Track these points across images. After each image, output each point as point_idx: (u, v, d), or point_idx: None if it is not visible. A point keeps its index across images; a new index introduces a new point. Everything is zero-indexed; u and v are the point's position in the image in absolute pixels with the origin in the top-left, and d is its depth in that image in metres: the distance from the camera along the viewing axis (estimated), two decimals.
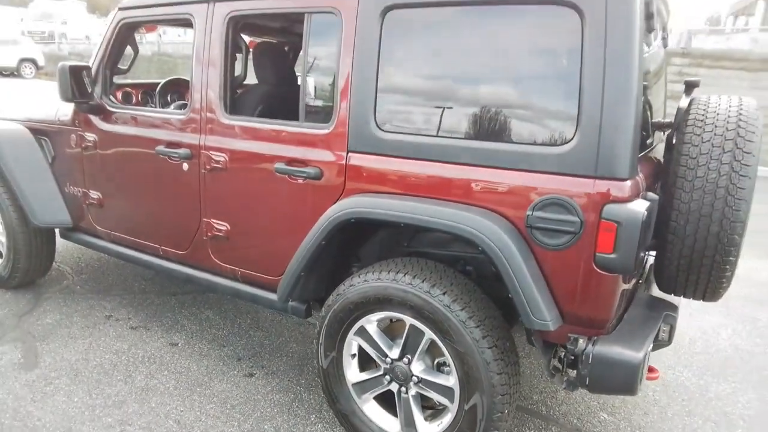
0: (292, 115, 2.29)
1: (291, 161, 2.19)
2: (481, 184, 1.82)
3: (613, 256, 1.65)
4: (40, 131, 3.20)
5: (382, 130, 1.99)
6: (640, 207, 1.63)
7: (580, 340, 1.76)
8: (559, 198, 1.70)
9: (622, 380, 1.73)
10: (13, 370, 2.61)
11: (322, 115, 2.17)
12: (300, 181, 2.17)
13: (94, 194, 2.97)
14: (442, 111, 1.94)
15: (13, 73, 20.01)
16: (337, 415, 2.20)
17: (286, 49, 3.18)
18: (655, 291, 2.19)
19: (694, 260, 1.90)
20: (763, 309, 3.84)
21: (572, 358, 1.79)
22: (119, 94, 3.14)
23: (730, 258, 1.86)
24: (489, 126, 1.85)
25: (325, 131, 2.11)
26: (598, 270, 1.68)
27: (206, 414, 2.36)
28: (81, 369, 2.64)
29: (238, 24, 2.42)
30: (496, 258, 1.72)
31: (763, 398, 2.74)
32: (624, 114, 1.63)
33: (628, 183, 1.66)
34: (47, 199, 3.13)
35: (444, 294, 1.84)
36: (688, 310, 3.74)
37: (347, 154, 2.07)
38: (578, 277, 1.72)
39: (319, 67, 2.24)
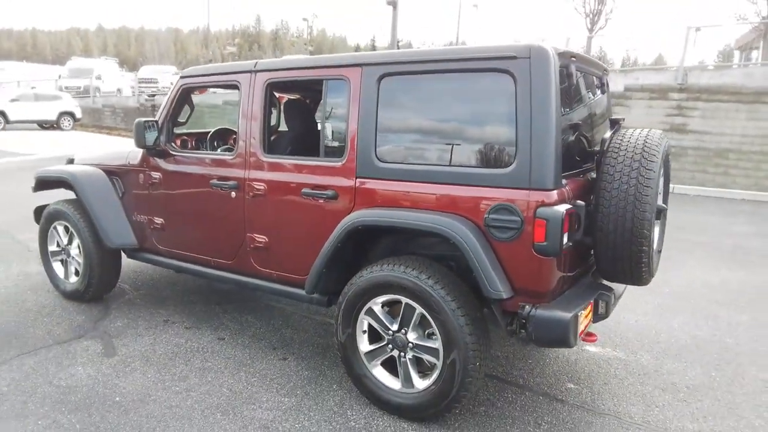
0: (313, 152, 3.04)
1: (314, 186, 2.92)
2: (452, 197, 2.52)
3: (545, 243, 2.31)
4: (112, 172, 4.00)
5: (381, 161, 2.72)
6: (562, 208, 2.30)
7: (527, 307, 2.41)
8: (506, 205, 2.39)
9: (557, 334, 2.36)
10: (97, 357, 3.31)
11: (337, 151, 2.91)
12: (321, 201, 2.89)
13: (158, 220, 3.73)
14: (423, 146, 2.67)
15: (53, 125, 21.53)
16: (353, 378, 2.84)
17: (308, 102, 3.97)
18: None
19: (617, 251, 2.56)
20: (725, 309, 4.40)
21: (523, 321, 2.43)
22: (178, 141, 3.94)
23: (643, 248, 2.51)
24: (456, 156, 2.57)
25: (340, 163, 2.85)
26: (536, 254, 2.35)
27: (251, 385, 3.02)
28: (150, 356, 3.33)
29: (274, 87, 3.21)
30: (462, 248, 2.40)
31: (707, 373, 3.30)
32: (546, 145, 2.33)
33: (554, 192, 2.34)
34: (118, 226, 3.90)
35: (428, 278, 2.51)
36: (660, 310, 4.33)
37: (356, 179, 2.79)
38: (523, 261, 2.39)
39: (334, 116, 3.00)
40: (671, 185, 3.83)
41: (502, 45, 2.47)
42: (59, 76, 28.98)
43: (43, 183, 4.25)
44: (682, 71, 13.85)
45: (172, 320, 3.89)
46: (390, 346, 2.73)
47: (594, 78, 3.11)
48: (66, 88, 26.37)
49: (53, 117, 21.33)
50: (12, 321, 3.80)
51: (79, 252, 4.07)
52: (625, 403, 2.93)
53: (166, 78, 26.32)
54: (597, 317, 2.67)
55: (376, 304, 2.72)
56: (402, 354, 2.69)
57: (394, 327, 2.68)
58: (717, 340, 3.78)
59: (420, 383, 2.66)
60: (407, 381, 2.69)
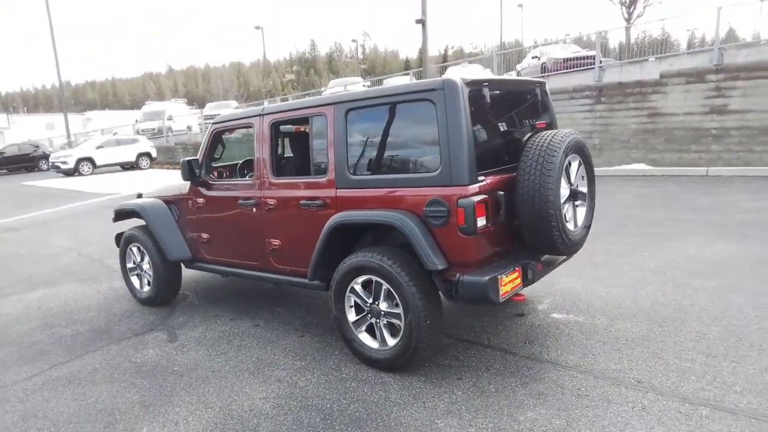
0: (308, 172, 3.96)
1: (308, 198, 3.82)
2: (400, 197, 3.34)
3: (464, 226, 3.08)
4: (169, 201, 5.11)
5: (352, 175, 3.58)
6: (474, 199, 3.05)
7: (458, 275, 3.17)
8: (437, 199, 3.17)
9: (479, 293, 3.09)
10: (163, 343, 4.36)
11: (322, 169, 3.81)
12: (314, 209, 3.78)
13: (204, 235, 4.78)
14: (379, 160, 3.52)
15: (132, 166, 24.01)
16: (345, 342, 3.69)
17: (306, 133, 4.91)
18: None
19: (533, 228, 3.28)
20: (699, 278, 4.87)
21: (455, 285, 3.19)
22: (215, 173, 4.98)
23: (552, 224, 3.22)
24: (401, 166, 3.41)
25: (325, 179, 3.74)
26: (461, 234, 3.11)
27: (274, 354, 3.93)
28: (201, 340, 4.34)
29: (278, 125, 4.17)
30: (406, 234, 3.20)
31: (650, 329, 3.87)
32: (461, 152, 3.10)
33: (470, 187, 3.10)
34: (175, 243, 4.98)
35: (389, 260, 3.33)
36: (634, 282, 4.88)
37: (336, 190, 3.67)
38: (452, 240, 3.16)
39: (318, 143, 3.89)
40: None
41: (427, 81, 3.29)
42: (136, 121, 31.97)
43: (119, 214, 5.44)
44: (717, 52, 13.80)
45: (221, 314, 4.91)
46: (369, 315, 3.56)
47: (523, 92, 3.83)
48: (142, 130, 29.18)
49: (133, 158, 23.80)
50: (102, 322, 4.96)
51: (149, 267, 5.19)
52: (566, 353, 3.60)
53: (228, 113, 28.50)
54: (527, 282, 3.37)
55: (357, 284, 3.56)
56: (378, 320, 3.52)
57: (371, 300, 3.52)
58: (675, 303, 4.31)
59: (391, 341, 3.47)
60: (382, 341, 3.52)
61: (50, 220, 11.80)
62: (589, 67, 15.67)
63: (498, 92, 3.53)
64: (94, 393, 3.56)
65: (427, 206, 3.21)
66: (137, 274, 5.39)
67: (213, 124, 4.62)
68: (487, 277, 3.09)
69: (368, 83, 24.88)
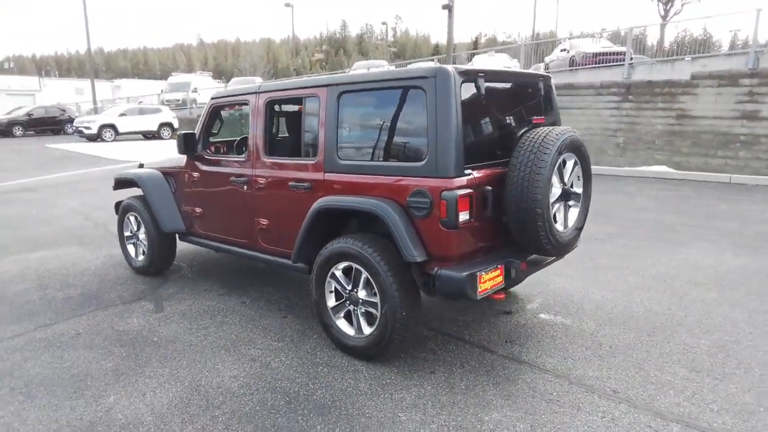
0: (298, 153, 3.90)
1: (297, 180, 3.77)
2: (386, 185, 3.26)
3: (446, 219, 2.99)
4: (167, 173, 5.10)
5: (340, 159, 3.51)
6: (457, 192, 2.96)
7: (436, 268, 3.09)
8: (421, 189, 3.09)
9: (456, 289, 3.01)
10: (149, 313, 4.38)
11: (312, 151, 3.74)
12: (302, 191, 3.73)
13: (198, 210, 4.77)
14: (367, 146, 3.44)
15: (154, 135, 24.27)
16: (323, 327, 3.65)
17: (299, 112, 4.82)
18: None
19: (521, 226, 3.18)
20: (699, 288, 4.71)
21: (434, 279, 3.12)
22: (213, 148, 4.96)
23: (538, 224, 3.12)
24: (388, 153, 3.32)
25: (313, 161, 3.68)
26: (442, 228, 3.03)
27: (253, 333, 3.92)
28: (186, 312, 4.35)
29: (272, 103, 4.11)
30: (386, 223, 3.13)
31: (638, 337, 3.76)
32: (448, 143, 3.00)
33: (455, 180, 3.01)
34: (171, 215, 4.99)
35: (369, 248, 3.26)
36: (632, 288, 4.75)
37: (324, 173, 3.61)
38: (434, 233, 3.08)
39: (310, 124, 3.82)
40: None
41: (420, 68, 3.19)
42: (161, 91, 32.26)
43: (119, 183, 5.46)
44: (753, 55, 13.31)
45: (211, 289, 4.92)
46: (348, 302, 3.51)
47: (525, 86, 3.70)
48: (167, 101, 29.43)
49: (155, 128, 24.06)
50: (94, 287, 5.01)
51: (145, 236, 5.21)
52: (545, 356, 3.51)
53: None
54: (509, 280, 3.28)
55: (338, 270, 3.51)
56: (355, 308, 3.47)
57: (350, 287, 3.47)
58: (668, 313, 4.18)
59: (366, 330, 3.42)
60: (359, 328, 3.47)
61: (65, 183, 12.00)
62: (619, 63, 15.25)
63: (496, 84, 3.41)
64: (71, 357, 3.60)
65: (411, 196, 3.13)
66: (133, 243, 5.43)
67: (211, 99, 4.58)
68: (465, 273, 3.01)
69: (393, 66, 24.62)
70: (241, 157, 4.29)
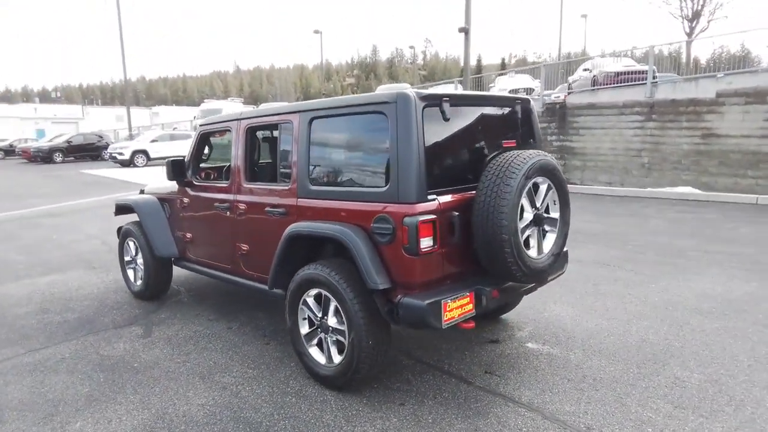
0: (275, 179, 3.91)
1: (273, 206, 3.77)
2: (352, 210, 3.22)
3: (408, 245, 2.93)
4: (162, 199, 5.20)
5: (312, 185, 3.51)
6: (417, 218, 2.90)
7: (399, 296, 3.02)
8: (384, 216, 3.04)
9: (418, 317, 2.93)
10: (136, 337, 4.42)
11: (287, 177, 3.75)
12: (277, 217, 3.73)
13: (188, 235, 4.83)
14: (336, 172, 3.42)
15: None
16: (297, 354, 3.60)
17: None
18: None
19: (488, 253, 3.10)
20: (701, 318, 4.48)
21: (397, 307, 3.04)
22: (203, 174, 5.03)
23: (505, 250, 3.03)
24: (355, 178, 3.29)
25: (287, 187, 3.68)
26: (405, 254, 2.97)
27: (232, 360, 3.90)
28: (172, 338, 4.37)
29: (252, 130, 4.15)
30: (349, 249, 3.09)
31: (626, 369, 3.57)
32: (409, 169, 2.96)
33: (417, 205, 2.95)
34: (164, 240, 5.06)
35: (336, 275, 3.22)
36: (630, 316, 4.55)
37: (297, 199, 3.60)
38: (397, 259, 3.01)
39: (284, 151, 3.83)
40: None
41: (382, 93, 3.16)
42: (194, 117, 33.24)
43: (119, 209, 5.59)
44: None
45: (202, 314, 4.94)
46: (319, 329, 3.46)
47: (499, 109, 3.64)
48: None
49: (185, 153, 24.68)
50: (92, 312, 5.10)
51: (142, 261, 5.30)
52: (523, 388, 3.36)
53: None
54: (480, 308, 3.17)
55: (310, 297, 3.48)
56: (326, 336, 3.42)
57: (321, 314, 3.42)
58: (664, 343, 3.97)
59: (336, 359, 3.36)
60: (329, 357, 3.41)
61: (90, 208, 12.39)
62: (641, 82, 14.94)
63: (465, 108, 3.36)
64: (51, 382, 3.64)
65: (375, 222, 3.09)
66: (133, 268, 5.52)
67: (200, 126, 4.67)
68: (427, 301, 2.93)
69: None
70: (225, 183, 4.34)
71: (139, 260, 5.35)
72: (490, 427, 2.94)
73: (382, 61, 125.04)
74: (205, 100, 43.92)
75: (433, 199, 3.04)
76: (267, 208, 3.81)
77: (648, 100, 14.32)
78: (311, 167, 3.53)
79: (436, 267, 3.09)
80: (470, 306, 3.12)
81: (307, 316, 3.54)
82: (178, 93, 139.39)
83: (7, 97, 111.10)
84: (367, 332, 3.13)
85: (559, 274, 3.91)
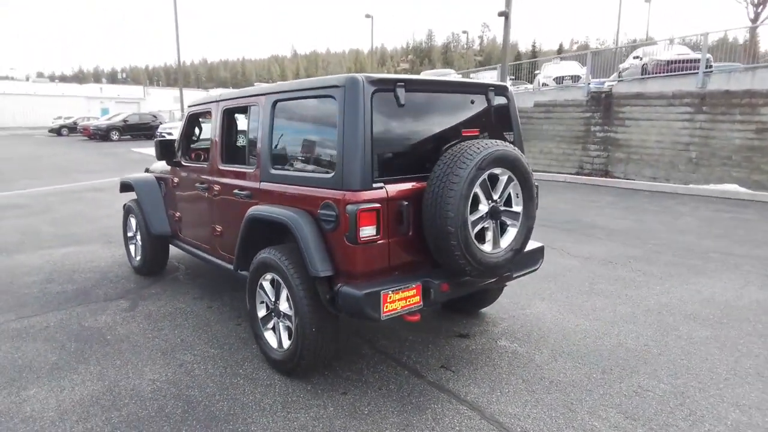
0: (244, 161, 3.92)
1: (240, 188, 3.79)
2: (303, 196, 3.18)
3: (348, 234, 2.87)
4: (159, 178, 5.33)
5: (273, 169, 3.49)
6: (357, 207, 2.83)
7: (339, 284, 2.97)
8: (329, 202, 2.99)
9: (355, 307, 2.86)
10: (120, 311, 4.57)
11: (252, 160, 3.75)
12: (243, 199, 3.74)
13: (178, 214, 4.94)
14: (292, 156, 3.38)
15: None
16: (254, 337, 3.63)
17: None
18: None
19: (435, 244, 2.99)
20: (693, 324, 4.19)
21: (336, 296, 2.99)
22: (193, 155, 5.12)
23: (451, 242, 2.92)
24: (307, 163, 3.25)
25: (252, 170, 3.68)
26: (347, 243, 2.91)
27: (199, 338, 3.97)
28: (152, 313, 4.50)
29: (228, 112, 4.16)
30: (294, 235, 3.06)
31: (589, 373, 3.39)
32: (354, 155, 2.88)
33: (360, 193, 2.88)
34: (159, 218, 5.20)
35: (286, 260, 3.20)
36: (617, 319, 4.32)
37: (260, 182, 3.59)
38: (340, 247, 2.96)
39: (252, 134, 3.82)
40: None
41: (334, 77, 3.09)
42: None
43: (123, 186, 5.77)
44: None
45: (190, 292, 5.06)
46: (273, 314, 3.47)
47: (466, 96, 3.47)
48: None
49: None
50: (91, 284, 5.32)
51: (140, 239, 5.47)
52: (474, 385, 3.25)
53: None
54: (428, 301, 3.07)
55: (266, 281, 3.48)
56: (278, 321, 3.42)
57: (274, 299, 3.42)
58: (641, 349, 3.74)
59: (286, 344, 3.36)
60: (280, 342, 3.41)
61: None
62: (693, 71, 14.05)
63: (427, 94, 3.23)
64: (26, 349, 3.83)
65: (321, 209, 3.04)
66: (134, 244, 5.71)
67: (189, 107, 4.73)
68: (364, 291, 2.86)
69: (459, 75, 24.26)
70: (205, 165, 4.39)
71: (139, 236, 5.53)
72: (424, 423, 2.86)
73: (438, 47, 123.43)
74: (255, 84, 44.78)
75: (380, 188, 2.96)
76: (235, 191, 3.84)
77: (699, 91, 13.47)
78: (272, 150, 3.52)
79: (381, 257, 3.01)
80: (417, 298, 3.03)
81: (263, 300, 3.55)
82: (237, 76, 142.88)
83: (79, 78, 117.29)
84: (311, 320, 3.10)
85: (530, 271, 3.74)
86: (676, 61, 14.85)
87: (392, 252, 3.05)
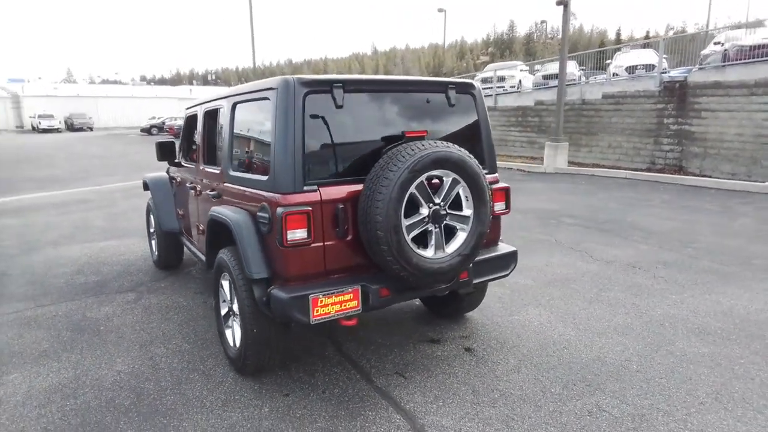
0: (216, 162, 4.02)
1: (211, 188, 3.90)
2: (248, 197, 3.22)
3: (278, 237, 2.87)
4: (171, 177, 5.60)
5: (231, 170, 3.56)
6: (282, 210, 2.82)
7: (272, 286, 2.97)
8: (264, 205, 3.00)
9: (283, 311, 2.85)
10: (125, 303, 4.86)
11: (219, 161, 3.83)
12: (214, 199, 3.85)
13: (181, 211, 5.17)
14: (244, 157, 3.43)
15: None
16: (219, 334, 3.73)
17: None
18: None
19: (370, 249, 2.93)
20: (694, 339, 3.81)
21: (268, 299, 2.99)
22: (193, 156, 5.32)
23: (382, 247, 2.84)
24: (253, 165, 3.28)
25: (218, 171, 3.77)
26: (279, 246, 2.91)
27: (180, 333, 4.14)
28: (150, 306, 4.74)
29: (208, 115, 4.28)
30: (234, 236, 3.10)
31: (548, 388, 3.17)
32: (286, 157, 2.87)
33: (290, 196, 2.87)
34: (168, 215, 5.46)
35: (234, 261, 3.26)
36: (610, 331, 4.02)
37: (223, 183, 3.68)
38: (274, 250, 2.97)
39: (220, 135, 3.90)
40: None
41: (270, 79, 3.09)
42: None
43: (144, 185, 6.12)
44: None
45: (194, 288, 5.28)
46: (230, 313, 3.54)
47: (420, 95, 3.34)
48: None
49: None
50: (112, 276, 5.70)
51: (155, 235, 5.79)
52: (419, 394, 3.14)
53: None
54: (367, 306, 3.00)
55: (225, 280, 3.56)
56: (234, 320, 3.49)
57: (230, 298, 3.49)
58: (619, 365, 3.44)
59: (238, 343, 3.42)
60: (234, 341, 3.48)
61: None
62: None
63: (372, 94, 3.15)
64: (27, 336, 4.17)
65: (259, 211, 3.06)
66: (153, 239, 6.05)
67: (186, 110, 4.93)
68: (291, 295, 2.85)
69: (527, 67, 23.39)
70: (193, 164, 4.55)
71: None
72: (350, 430, 2.81)
73: (520, 37, 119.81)
74: None
75: (314, 190, 2.93)
76: (208, 191, 3.96)
77: None
78: (232, 152, 3.59)
79: (315, 260, 2.99)
80: (354, 303, 2.97)
81: (225, 299, 3.64)
82: (319, 75, 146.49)
83: (174, 80, 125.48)
84: (251, 321, 3.13)
85: (498, 276, 3.56)
86: (761, 46, 13.44)
87: (328, 255, 3.01)
